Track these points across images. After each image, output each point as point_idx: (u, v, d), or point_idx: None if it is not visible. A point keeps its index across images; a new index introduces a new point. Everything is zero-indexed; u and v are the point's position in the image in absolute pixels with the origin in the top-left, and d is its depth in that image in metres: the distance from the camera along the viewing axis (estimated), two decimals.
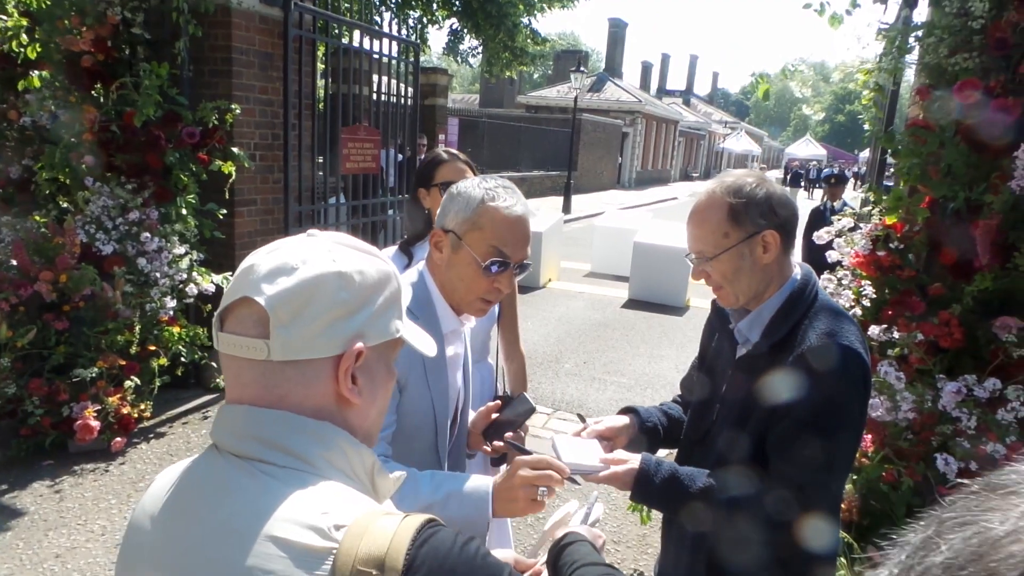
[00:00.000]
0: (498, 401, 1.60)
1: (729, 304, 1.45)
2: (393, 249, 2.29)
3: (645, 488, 1.38)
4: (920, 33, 2.96)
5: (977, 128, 2.59)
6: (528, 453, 1.38)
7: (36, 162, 4.92)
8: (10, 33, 4.48)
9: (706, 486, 1.35)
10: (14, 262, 4.02)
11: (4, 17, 4.68)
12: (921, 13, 3.09)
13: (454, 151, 2.30)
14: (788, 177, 28.92)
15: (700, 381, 1.60)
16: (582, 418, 1.77)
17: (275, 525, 0.68)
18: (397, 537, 0.67)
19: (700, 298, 9.03)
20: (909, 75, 3.38)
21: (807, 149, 39.20)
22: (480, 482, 1.29)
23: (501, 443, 1.50)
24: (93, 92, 4.44)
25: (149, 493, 0.80)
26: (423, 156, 8.02)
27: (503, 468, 1.72)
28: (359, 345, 0.78)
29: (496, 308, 2.34)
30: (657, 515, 3.28)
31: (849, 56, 3.00)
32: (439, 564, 0.68)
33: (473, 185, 1.40)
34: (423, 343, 0.91)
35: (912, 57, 3.15)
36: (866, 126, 3.28)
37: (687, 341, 7.07)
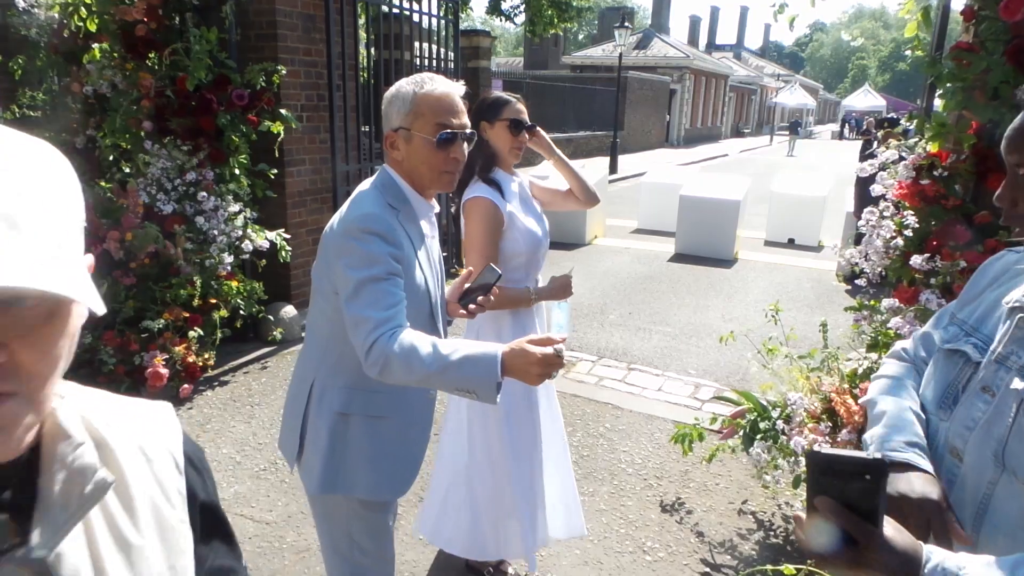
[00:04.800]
0: (469, 269, 1.82)
1: None
2: (480, 185, 2.30)
3: None
4: None
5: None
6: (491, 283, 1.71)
7: (99, 131, 5.19)
8: (71, 8, 4.69)
9: None
10: (84, 224, 4.27)
11: None
12: None
13: (514, 95, 2.41)
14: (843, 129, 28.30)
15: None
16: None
17: None
18: None
19: (748, 251, 8.91)
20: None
21: (866, 100, 37.60)
22: (492, 348, 1.42)
23: (474, 306, 1.74)
24: (148, 60, 4.64)
25: None
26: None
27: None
28: None
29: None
30: (699, 447, 3.36)
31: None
32: None
33: (403, 85, 1.62)
34: None
35: None
36: (907, 52, 3.18)
37: (734, 292, 7.02)
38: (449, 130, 1.58)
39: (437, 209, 1.78)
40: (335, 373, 1.68)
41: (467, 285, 1.77)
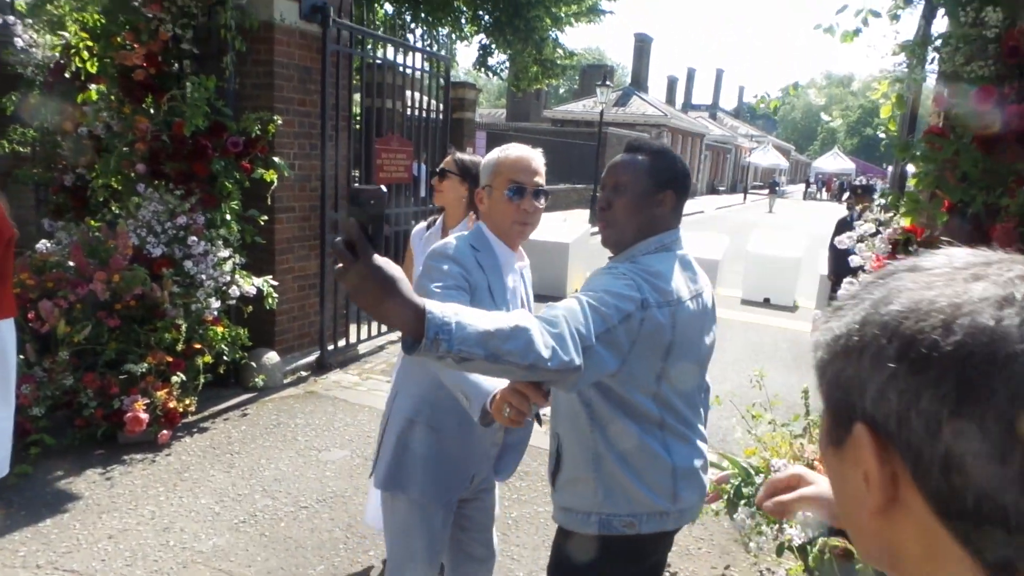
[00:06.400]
0: None
1: None
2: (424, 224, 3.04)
3: None
4: (938, 43, 3.06)
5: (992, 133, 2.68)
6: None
7: (89, 171, 5.20)
8: (73, 51, 4.76)
9: None
10: (71, 263, 4.26)
11: (66, 35, 4.98)
12: (938, 24, 3.19)
13: (460, 154, 2.86)
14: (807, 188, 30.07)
15: None
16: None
17: None
18: None
19: (725, 308, 9.07)
20: (928, 85, 3.47)
21: (835, 163, 38.87)
22: (491, 385, 1.53)
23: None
24: (144, 104, 4.69)
25: None
26: None
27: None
28: None
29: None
30: None
31: (869, 67, 3.12)
32: None
33: (492, 152, 1.96)
34: None
35: (931, 67, 3.25)
36: (881, 133, 3.37)
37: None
38: (517, 184, 1.86)
39: (525, 263, 2.05)
40: (411, 381, 1.96)
41: None
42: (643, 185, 1.62)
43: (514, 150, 1.92)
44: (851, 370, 0.52)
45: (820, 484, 1.09)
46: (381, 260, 1.05)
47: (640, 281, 1.48)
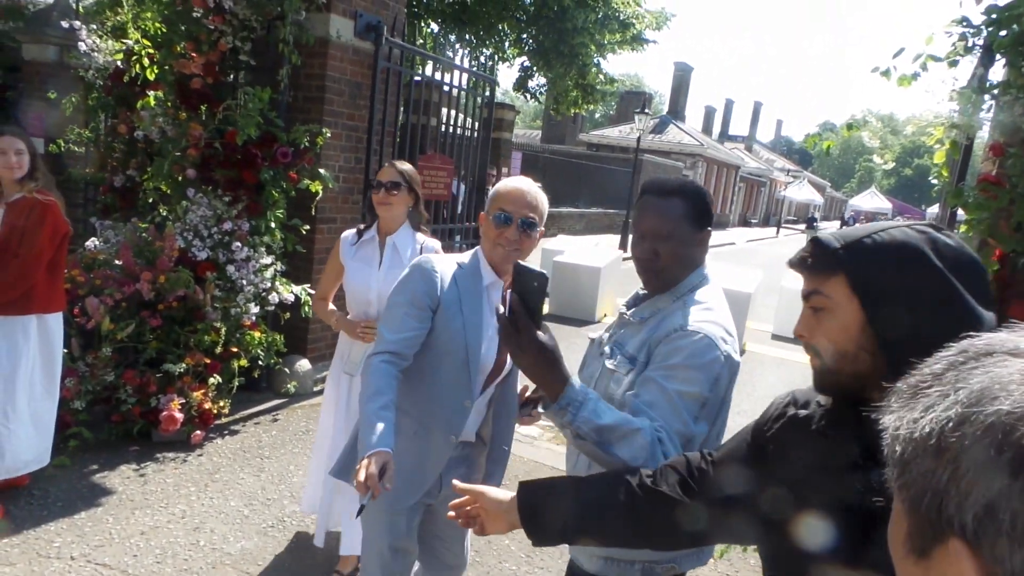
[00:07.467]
0: (525, 386, 1.99)
1: None
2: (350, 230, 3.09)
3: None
4: (996, 91, 3.03)
5: None
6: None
7: (140, 173, 5.35)
8: (134, 57, 4.92)
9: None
10: (119, 262, 4.37)
11: (128, 41, 5.15)
12: (996, 72, 3.16)
13: (396, 162, 2.99)
14: (841, 226, 30.51)
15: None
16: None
17: None
18: None
19: (756, 343, 8.98)
20: (983, 131, 3.44)
21: (872, 201, 38.37)
22: (386, 438, 1.71)
23: (527, 418, 1.95)
24: (199, 111, 4.82)
25: None
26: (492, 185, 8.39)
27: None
28: None
29: None
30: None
31: (921, 110, 3.11)
32: None
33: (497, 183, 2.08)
34: None
35: (986, 115, 3.21)
36: (933, 180, 3.34)
37: (742, 384, 6.95)
38: (503, 212, 1.94)
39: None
40: None
41: (527, 395, 1.98)
42: (687, 230, 1.66)
43: (513, 182, 2.00)
44: (944, 475, 0.44)
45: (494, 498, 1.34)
46: (543, 335, 1.29)
47: (715, 338, 1.52)
